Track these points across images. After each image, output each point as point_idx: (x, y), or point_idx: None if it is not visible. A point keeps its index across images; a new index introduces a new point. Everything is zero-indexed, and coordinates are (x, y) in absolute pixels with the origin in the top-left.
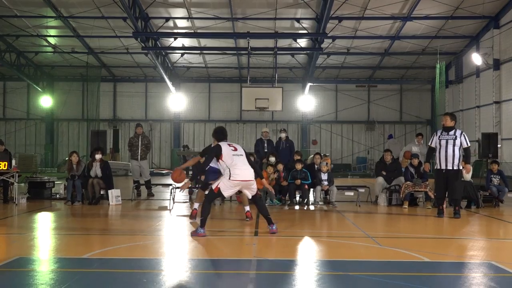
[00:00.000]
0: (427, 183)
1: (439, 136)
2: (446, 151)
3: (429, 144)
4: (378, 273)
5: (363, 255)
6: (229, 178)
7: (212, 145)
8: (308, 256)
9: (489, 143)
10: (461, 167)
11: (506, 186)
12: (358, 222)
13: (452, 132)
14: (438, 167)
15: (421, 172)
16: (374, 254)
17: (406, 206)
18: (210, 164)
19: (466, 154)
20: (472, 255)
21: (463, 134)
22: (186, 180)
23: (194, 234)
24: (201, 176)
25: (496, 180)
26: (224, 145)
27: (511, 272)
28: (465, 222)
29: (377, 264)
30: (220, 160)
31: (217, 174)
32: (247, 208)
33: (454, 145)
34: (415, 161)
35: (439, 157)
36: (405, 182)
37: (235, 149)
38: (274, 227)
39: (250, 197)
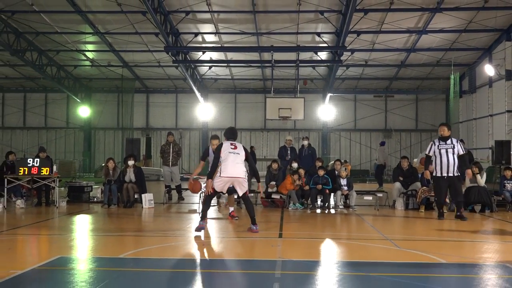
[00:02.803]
0: None
1: (438, 146)
2: (447, 159)
3: (427, 153)
4: (398, 274)
5: (382, 257)
6: (220, 175)
7: (210, 147)
8: (330, 257)
9: (502, 150)
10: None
11: None
12: (377, 225)
13: (449, 141)
14: (439, 175)
15: None
16: (392, 256)
17: (423, 210)
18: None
19: (463, 160)
20: (486, 257)
21: (459, 143)
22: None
23: (197, 228)
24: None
25: (509, 185)
26: (225, 143)
27: None
28: (480, 225)
29: (396, 265)
30: (220, 156)
31: None
32: (232, 208)
33: (453, 153)
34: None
35: (441, 165)
36: (421, 187)
37: (235, 148)
38: (255, 227)
39: (240, 194)
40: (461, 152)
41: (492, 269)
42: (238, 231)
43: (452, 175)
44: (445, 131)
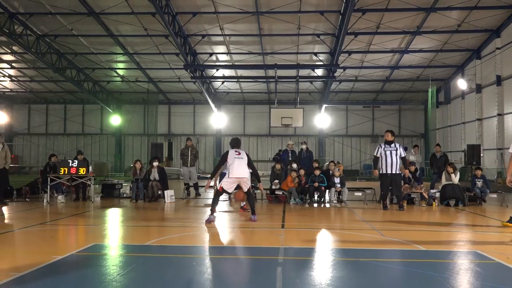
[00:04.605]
0: (422, 185)
1: (384, 148)
2: (391, 160)
3: (375, 154)
4: (383, 259)
5: (370, 245)
6: (228, 176)
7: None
8: (325, 245)
9: (473, 153)
10: (400, 172)
11: (488, 188)
12: (366, 217)
13: (393, 145)
14: (384, 172)
15: (417, 177)
16: (379, 244)
17: (405, 205)
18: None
19: (403, 161)
20: (460, 245)
21: (401, 146)
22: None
23: (207, 221)
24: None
25: (479, 183)
26: (231, 151)
27: (493, 259)
28: (454, 217)
29: (382, 252)
30: (226, 161)
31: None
32: (243, 203)
33: (396, 155)
34: (412, 168)
35: (386, 164)
36: (403, 184)
37: (239, 154)
38: (254, 217)
39: (245, 190)
40: (402, 155)
41: (465, 255)
42: (246, 221)
43: (394, 172)
44: (389, 137)
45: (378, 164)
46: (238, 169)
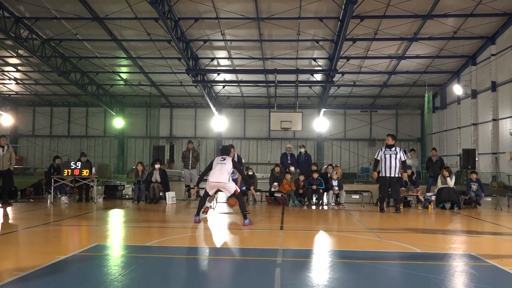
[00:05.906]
0: (418, 188)
1: (384, 152)
2: (390, 163)
3: (375, 157)
4: (379, 261)
5: (366, 246)
6: (208, 181)
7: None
8: (323, 246)
9: (468, 157)
10: (400, 175)
11: (483, 191)
12: (363, 219)
13: (393, 149)
14: (383, 175)
15: (413, 180)
16: (375, 246)
17: (401, 207)
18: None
19: (403, 165)
20: (455, 247)
21: (402, 150)
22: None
23: (195, 221)
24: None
25: (474, 186)
26: (217, 158)
27: (488, 261)
28: (449, 220)
29: (378, 254)
30: (212, 167)
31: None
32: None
33: (395, 158)
34: (409, 171)
35: (385, 167)
36: (400, 187)
37: (223, 159)
38: (245, 221)
39: (228, 194)
40: (403, 159)
41: (460, 258)
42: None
43: (393, 176)
44: (389, 140)
45: (378, 167)
46: (216, 174)
